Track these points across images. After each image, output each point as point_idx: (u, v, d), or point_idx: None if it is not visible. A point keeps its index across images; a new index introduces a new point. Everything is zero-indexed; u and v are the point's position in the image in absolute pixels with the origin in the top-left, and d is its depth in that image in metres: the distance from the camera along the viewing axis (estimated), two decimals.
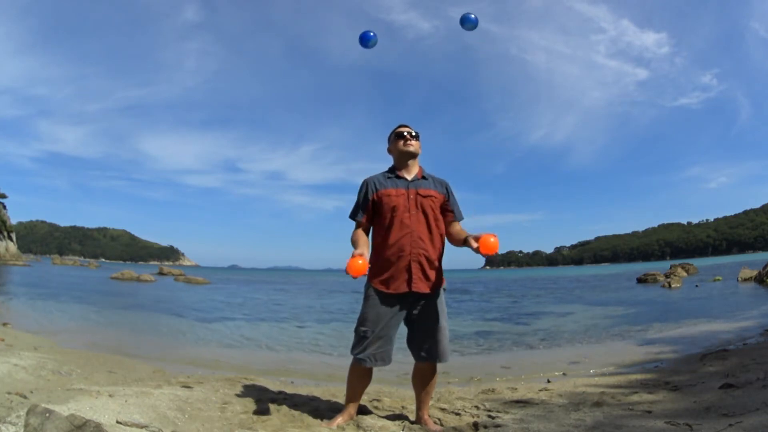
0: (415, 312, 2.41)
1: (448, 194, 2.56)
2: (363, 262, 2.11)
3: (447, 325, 2.44)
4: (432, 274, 2.40)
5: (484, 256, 2.27)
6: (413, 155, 2.51)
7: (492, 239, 2.20)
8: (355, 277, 2.07)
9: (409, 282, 2.35)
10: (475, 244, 2.18)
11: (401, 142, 2.49)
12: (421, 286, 2.37)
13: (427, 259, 2.39)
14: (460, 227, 2.51)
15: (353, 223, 2.52)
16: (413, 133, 2.50)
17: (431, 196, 2.47)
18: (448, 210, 2.54)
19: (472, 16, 2.77)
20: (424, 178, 2.52)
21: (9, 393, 2.45)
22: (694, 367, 4.05)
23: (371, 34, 2.73)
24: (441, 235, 2.49)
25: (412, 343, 2.46)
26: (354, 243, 2.39)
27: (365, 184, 2.52)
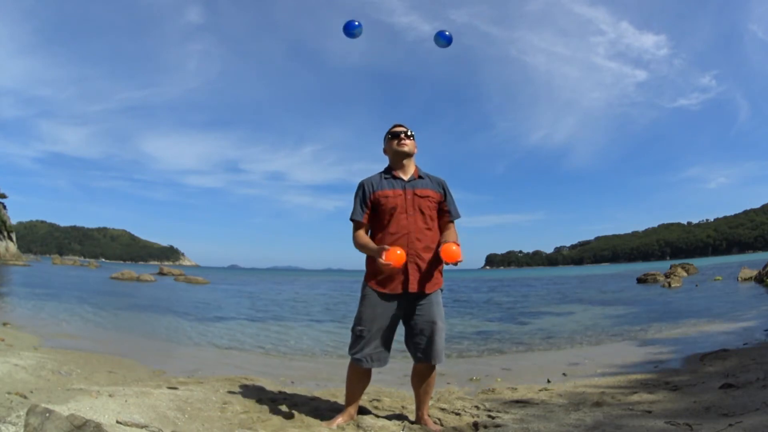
0: (413, 312, 2.41)
1: (444, 193, 2.56)
2: (402, 252, 2.25)
3: (444, 326, 2.44)
4: (429, 275, 2.41)
5: (446, 263, 2.32)
6: (408, 155, 2.51)
7: (454, 247, 2.26)
8: (397, 268, 2.23)
9: (406, 282, 2.36)
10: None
11: (395, 142, 2.50)
12: (418, 287, 2.37)
13: (424, 259, 2.40)
14: (451, 232, 2.50)
15: (352, 225, 2.51)
16: (408, 133, 2.51)
17: (428, 196, 2.47)
18: (445, 210, 2.54)
19: (447, 33, 2.62)
20: (420, 177, 2.52)
21: (9, 393, 2.46)
22: (694, 367, 4.05)
23: (356, 23, 2.58)
24: (437, 236, 2.50)
25: (410, 344, 2.46)
26: (367, 245, 2.41)
27: (362, 185, 2.52)
